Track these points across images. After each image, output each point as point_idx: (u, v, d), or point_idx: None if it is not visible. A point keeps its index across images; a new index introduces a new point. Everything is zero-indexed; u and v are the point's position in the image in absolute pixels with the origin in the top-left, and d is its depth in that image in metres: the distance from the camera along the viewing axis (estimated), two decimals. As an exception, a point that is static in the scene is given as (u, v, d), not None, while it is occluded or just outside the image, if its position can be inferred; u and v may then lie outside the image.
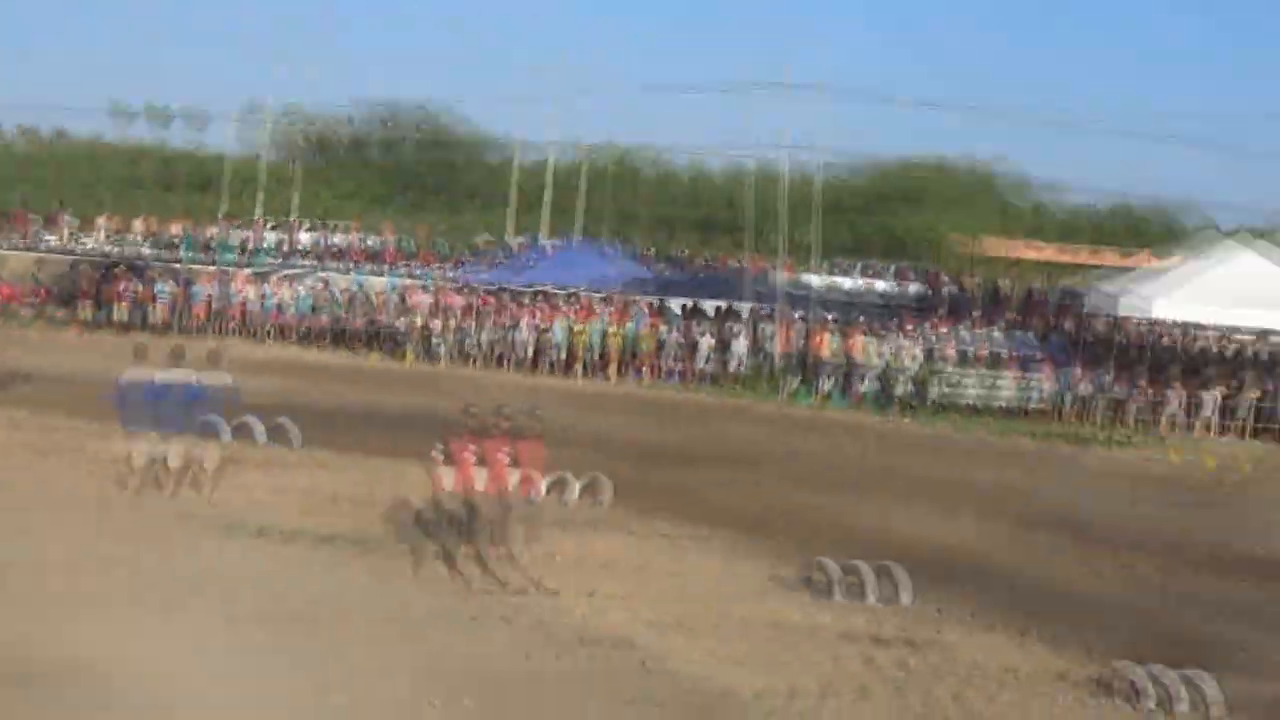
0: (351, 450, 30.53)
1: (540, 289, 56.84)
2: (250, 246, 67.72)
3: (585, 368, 49.71)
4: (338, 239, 70.44)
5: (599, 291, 55.87)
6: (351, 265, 65.16)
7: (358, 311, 54.34)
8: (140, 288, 54.95)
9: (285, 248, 68.73)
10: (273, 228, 71.75)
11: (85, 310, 55.15)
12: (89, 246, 68.60)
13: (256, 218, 74.06)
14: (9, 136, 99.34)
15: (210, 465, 25.64)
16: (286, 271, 60.33)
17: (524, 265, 61.67)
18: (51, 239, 70.01)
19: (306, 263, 64.60)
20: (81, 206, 74.03)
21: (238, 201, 79.60)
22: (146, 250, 67.51)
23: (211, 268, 60.01)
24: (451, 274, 62.62)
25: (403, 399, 39.77)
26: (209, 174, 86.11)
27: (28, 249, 66.12)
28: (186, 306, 54.00)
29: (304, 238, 70.65)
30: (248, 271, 59.05)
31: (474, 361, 50.31)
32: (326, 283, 57.10)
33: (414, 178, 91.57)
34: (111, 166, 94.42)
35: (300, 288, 56.44)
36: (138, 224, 71.18)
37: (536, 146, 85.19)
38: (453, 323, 51.80)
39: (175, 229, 69.76)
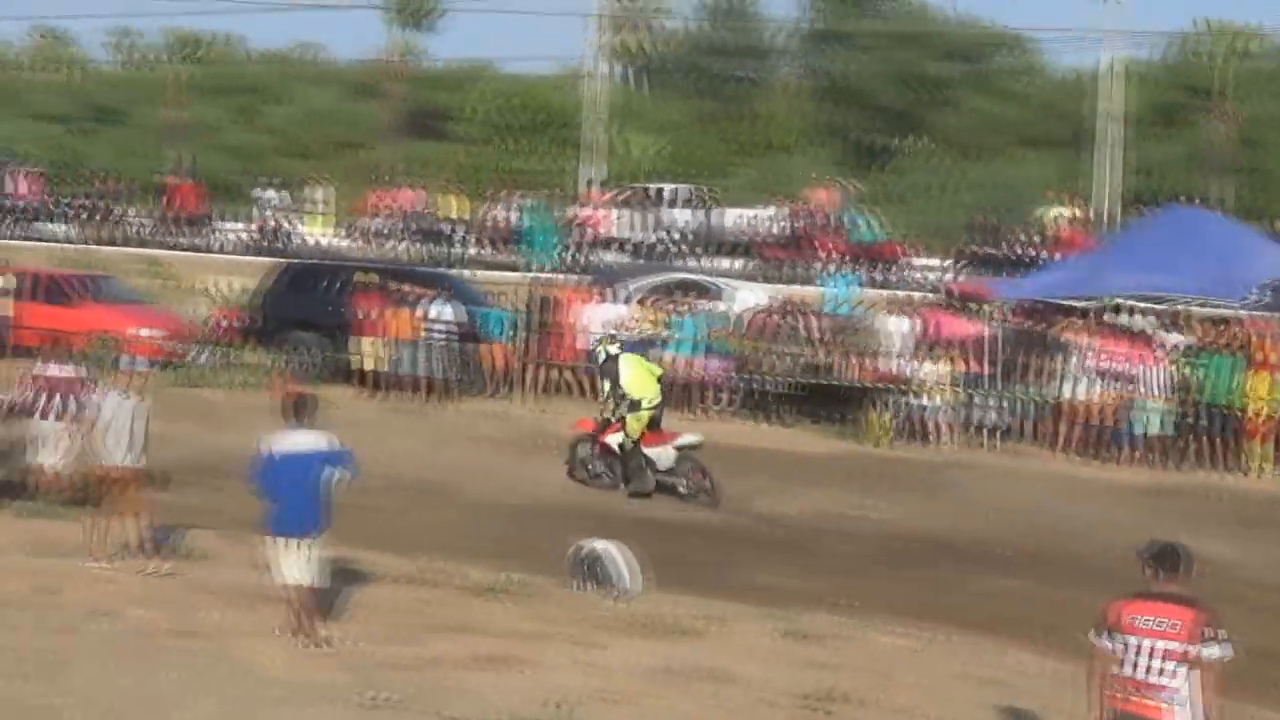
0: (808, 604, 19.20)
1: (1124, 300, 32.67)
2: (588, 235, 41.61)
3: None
4: (762, 215, 43.22)
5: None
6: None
7: (831, 349, 31.23)
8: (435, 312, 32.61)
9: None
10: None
11: (312, 355, 33.18)
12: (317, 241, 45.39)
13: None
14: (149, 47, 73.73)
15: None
16: (654, 280, 35.70)
17: (1107, 259, 34.30)
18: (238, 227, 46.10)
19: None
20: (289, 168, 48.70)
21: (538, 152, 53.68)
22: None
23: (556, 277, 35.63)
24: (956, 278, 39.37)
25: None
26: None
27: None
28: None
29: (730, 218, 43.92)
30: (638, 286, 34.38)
31: (987, 443, 30.05)
32: (786, 310, 32.80)
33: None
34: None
35: (699, 311, 32.74)
36: (407, 196, 45.19)
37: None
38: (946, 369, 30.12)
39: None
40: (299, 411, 17.42)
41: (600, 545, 19.70)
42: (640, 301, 32.86)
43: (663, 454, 26.74)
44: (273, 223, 45.72)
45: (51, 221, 47.93)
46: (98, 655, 15.76)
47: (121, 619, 17.34)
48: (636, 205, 44.48)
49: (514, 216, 42.87)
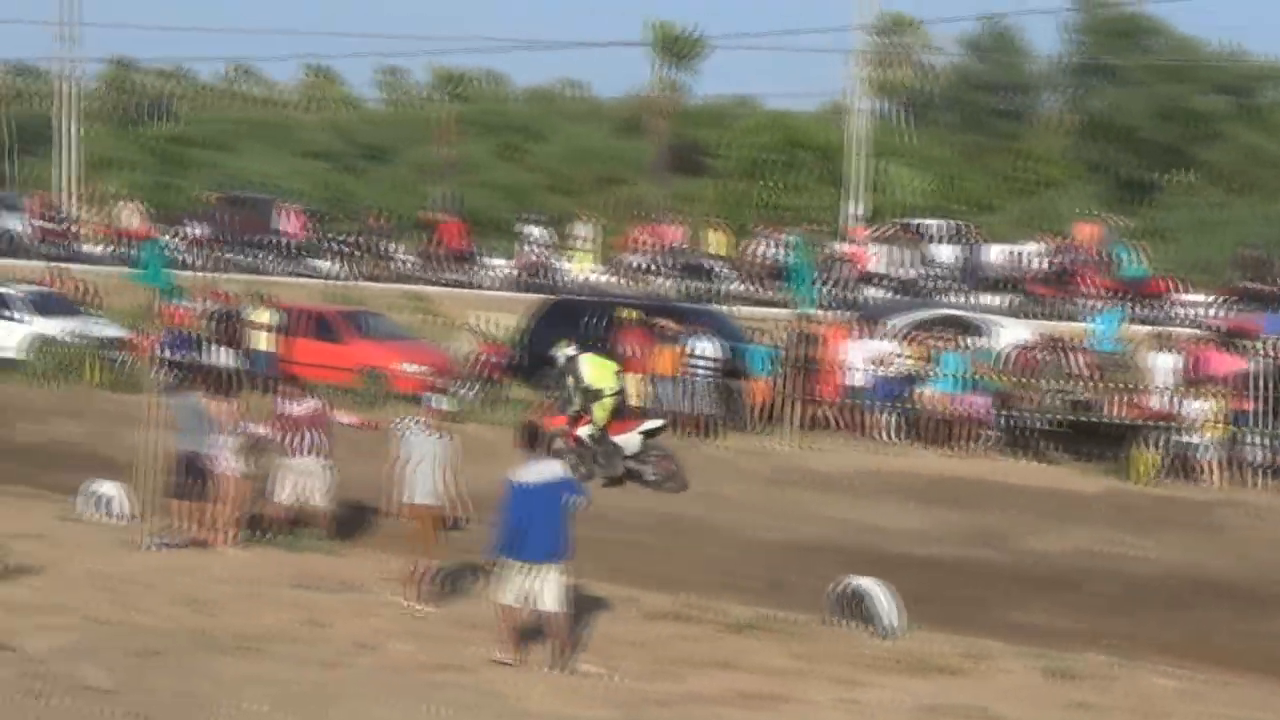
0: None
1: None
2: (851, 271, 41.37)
3: None
4: (1027, 251, 42.60)
5: None
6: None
7: (1096, 385, 30.42)
8: (698, 348, 32.81)
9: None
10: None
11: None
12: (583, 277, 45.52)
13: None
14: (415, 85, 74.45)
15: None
16: (917, 316, 35.17)
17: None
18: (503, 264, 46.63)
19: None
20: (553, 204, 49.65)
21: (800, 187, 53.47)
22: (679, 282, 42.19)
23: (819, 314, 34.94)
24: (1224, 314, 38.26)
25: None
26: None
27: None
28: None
29: (944, 253, 43.41)
30: (901, 322, 33.38)
31: (1256, 481, 28.71)
32: (1051, 346, 32.08)
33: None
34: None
35: (962, 346, 32.03)
36: (670, 231, 45.65)
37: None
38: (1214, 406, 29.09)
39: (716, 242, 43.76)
40: (533, 441, 18.11)
41: (863, 582, 19.61)
42: (903, 338, 32.61)
43: (629, 440, 29.20)
44: (536, 258, 46.00)
45: (319, 258, 48.67)
46: (363, 689, 15.92)
47: (386, 653, 17.56)
48: (899, 241, 44.19)
49: (776, 252, 42.81)
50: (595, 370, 29.87)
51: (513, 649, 17.56)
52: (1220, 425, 29.01)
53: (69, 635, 17.63)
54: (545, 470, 17.61)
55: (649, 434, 29.27)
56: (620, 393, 29.97)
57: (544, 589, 17.21)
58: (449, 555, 20.61)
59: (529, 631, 17.64)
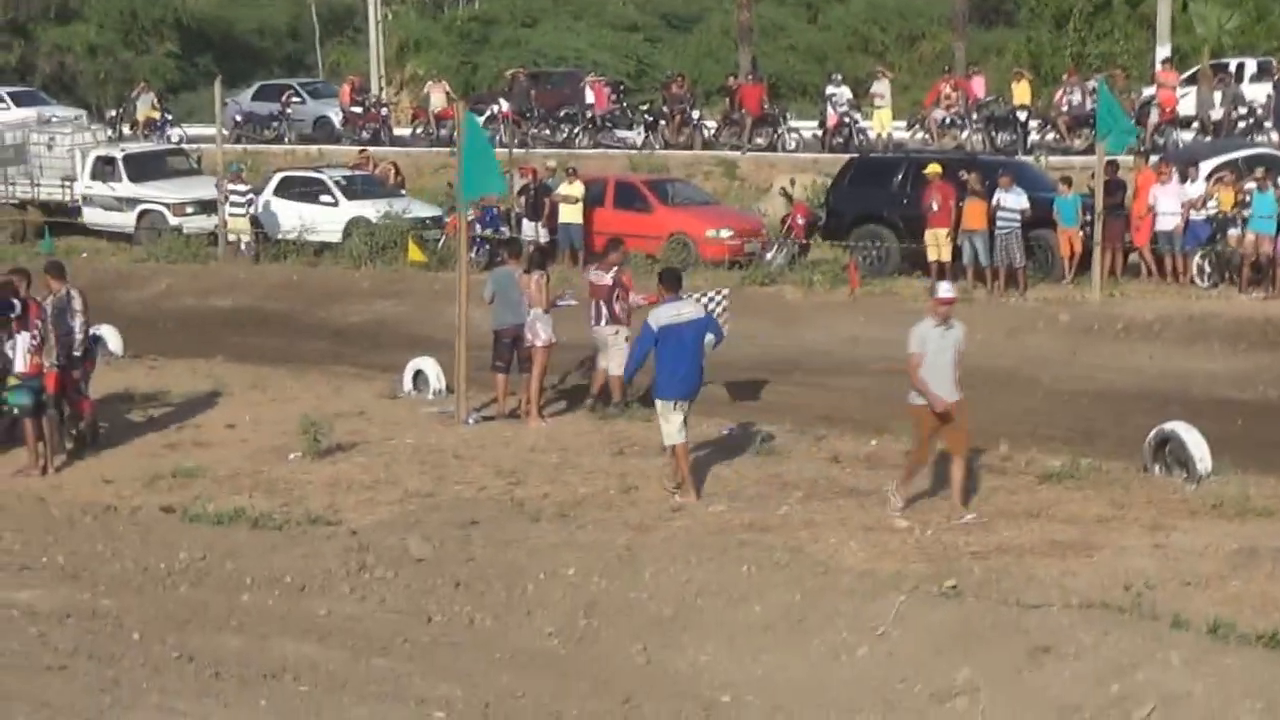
0: None
1: None
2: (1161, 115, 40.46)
3: None
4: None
5: None
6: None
7: None
8: (1005, 200, 32.11)
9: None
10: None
11: (882, 250, 33.49)
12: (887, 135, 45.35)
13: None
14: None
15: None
16: (1227, 158, 33.83)
17: None
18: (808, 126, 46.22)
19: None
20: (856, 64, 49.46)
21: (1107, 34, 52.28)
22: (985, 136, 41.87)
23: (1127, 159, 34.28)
24: None
25: None
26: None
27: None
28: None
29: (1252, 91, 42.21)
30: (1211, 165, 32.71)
31: None
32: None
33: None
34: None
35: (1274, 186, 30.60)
36: (975, 84, 45.09)
37: None
38: None
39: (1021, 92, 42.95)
40: (671, 283, 18.97)
41: (1177, 427, 19.33)
42: (1213, 179, 31.81)
43: None
44: (838, 119, 45.58)
45: (625, 129, 48.84)
46: (675, 551, 16.15)
47: (696, 514, 17.82)
48: (1209, 82, 42.88)
49: (1084, 100, 41.85)
50: None
51: (693, 489, 18.30)
52: None
53: (391, 509, 18.22)
54: (685, 310, 18.66)
55: None
56: None
57: (679, 422, 18.25)
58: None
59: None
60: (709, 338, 18.64)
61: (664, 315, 18.37)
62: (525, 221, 36.41)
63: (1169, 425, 19.48)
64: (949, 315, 17.47)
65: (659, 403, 18.50)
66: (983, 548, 16.27)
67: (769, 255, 34.22)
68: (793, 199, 36.42)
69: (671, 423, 18.27)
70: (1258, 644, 13.35)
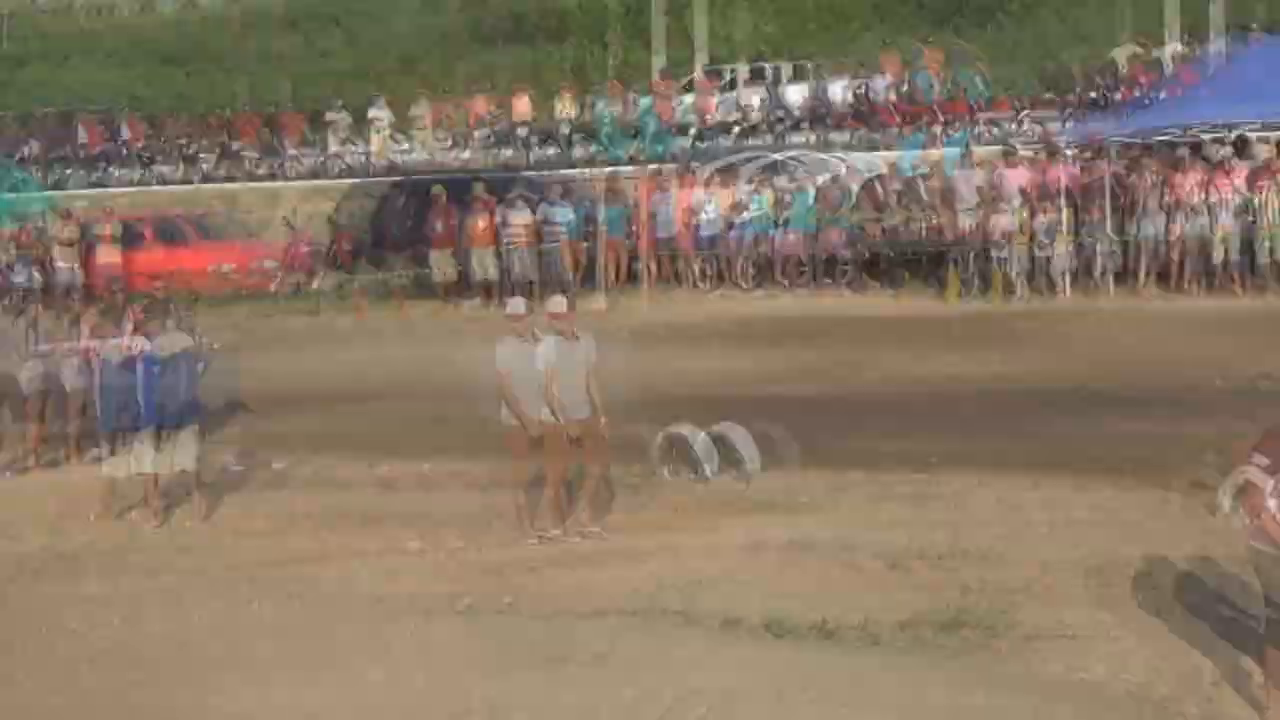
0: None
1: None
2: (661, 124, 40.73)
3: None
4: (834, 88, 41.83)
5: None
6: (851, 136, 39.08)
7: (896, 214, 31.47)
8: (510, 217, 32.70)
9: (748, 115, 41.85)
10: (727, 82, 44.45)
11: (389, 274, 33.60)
12: (407, 156, 44.33)
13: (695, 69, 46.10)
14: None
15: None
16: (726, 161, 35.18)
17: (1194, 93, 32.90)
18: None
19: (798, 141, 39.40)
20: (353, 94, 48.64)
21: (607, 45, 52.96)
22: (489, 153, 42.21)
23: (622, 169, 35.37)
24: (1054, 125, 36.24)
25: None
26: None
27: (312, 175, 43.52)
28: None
29: (792, 93, 42.66)
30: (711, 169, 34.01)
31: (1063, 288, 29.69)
32: (838, 176, 32.92)
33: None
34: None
35: (777, 186, 32.67)
36: (476, 104, 44.61)
37: None
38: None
39: (565, 105, 43.03)
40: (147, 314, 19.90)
41: (683, 430, 19.23)
42: (709, 183, 32.63)
43: None
44: (340, 146, 45.21)
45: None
46: (184, 594, 15.82)
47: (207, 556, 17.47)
48: (707, 89, 43.48)
49: (581, 113, 42.15)
50: None
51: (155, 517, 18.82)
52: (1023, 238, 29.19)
53: None
54: (171, 342, 19.07)
55: None
56: None
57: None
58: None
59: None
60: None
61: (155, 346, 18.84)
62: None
63: (678, 427, 19.32)
64: (572, 330, 16.81)
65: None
66: (515, 561, 16.06)
67: (273, 286, 33.87)
68: (295, 228, 35.87)
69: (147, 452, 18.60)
70: (810, 635, 13.42)
